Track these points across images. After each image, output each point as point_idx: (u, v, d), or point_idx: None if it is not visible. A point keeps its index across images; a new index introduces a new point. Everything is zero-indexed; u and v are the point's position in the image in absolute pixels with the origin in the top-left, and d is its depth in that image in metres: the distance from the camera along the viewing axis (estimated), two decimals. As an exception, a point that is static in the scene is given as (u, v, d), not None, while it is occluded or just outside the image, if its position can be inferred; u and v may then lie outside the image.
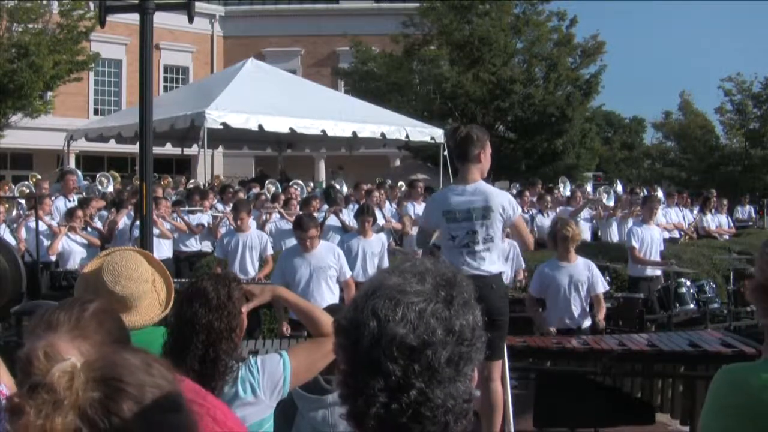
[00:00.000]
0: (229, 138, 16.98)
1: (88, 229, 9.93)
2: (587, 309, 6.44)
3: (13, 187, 13.61)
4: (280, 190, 13.86)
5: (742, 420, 1.70)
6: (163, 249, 9.25)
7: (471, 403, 1.24)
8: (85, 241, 9.62)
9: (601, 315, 6.44)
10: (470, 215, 4.91)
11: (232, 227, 9.02)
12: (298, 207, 10.59)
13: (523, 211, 9.43)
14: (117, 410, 1.04)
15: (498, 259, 5.06)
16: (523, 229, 5.38)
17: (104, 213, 11.00)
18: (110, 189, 13.72)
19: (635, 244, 8.67)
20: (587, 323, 6.42)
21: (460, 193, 4.98)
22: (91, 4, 19.40)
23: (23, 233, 9.67)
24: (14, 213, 10.52)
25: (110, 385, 1.06)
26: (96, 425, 1.03)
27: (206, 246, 10.50)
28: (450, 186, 5.42)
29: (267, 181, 15.11)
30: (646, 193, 14.59)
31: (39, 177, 14.38)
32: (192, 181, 16.53)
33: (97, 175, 15.04)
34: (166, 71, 29.54)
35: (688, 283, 8.39)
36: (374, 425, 1.19)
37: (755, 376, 1.73)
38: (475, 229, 4.91)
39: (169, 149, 17.80)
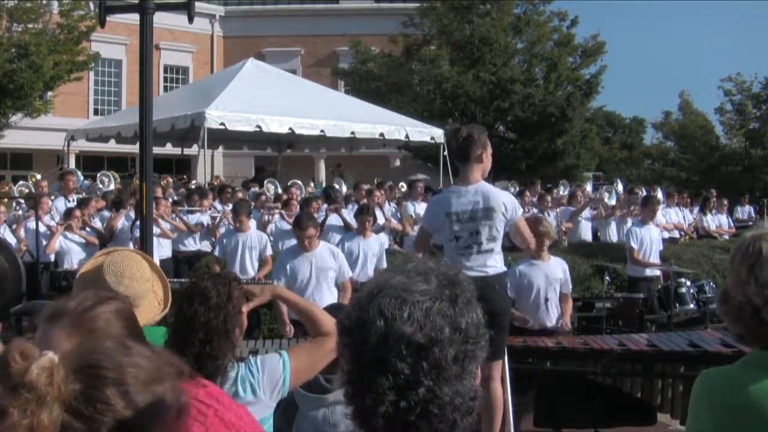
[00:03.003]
0: (229, 138, 16.97)
1: (87, 229, 9.92)
2: (559, 309, 6.46)
3: (13, 187, 13.60)
4: (279, 189, 13.87)
5: (721, 424, 1.70)
6: (162, 249, 9.26)
7: (476, 400, 1.25)
8: (83, 241, 9.62)
9: (568, 316, 6.48)
10: (473, 216, 4.91)
11: (231, 227, 9.03)
12: (298, 207, 10.58)
13: (524, 211, 9.40)
14: (101, 397, 1.05)
15: (500, 259, 5.06)
16: (525, 230, 5.38)
17: (106, 213, 10.97)
18: (112, 187, 13.73)
19: (634, 245, 8.65)
20: (558, 324, 6.45)
21: (462, 194, 4.98)
22: (91, 5, 19.39)
23: (23, 233, 9.67)
24: (13, 212, 10.53)
25: (89, 373, 1.06)
26: (83, 415, 1.03)
27: (205, 246, 10.49)
28: (451, 187, 5.41)
29: (266, 180, 15.10)
30: (645, 193, 14.59)
31: (38, 177, 14.37)
32: (194, 182, 16.51)
33: (98, 175, 15.04)
34: (166, 71, 29.53)
35: (688, 283, 8.39)
36: (382, 424, 1.19)
37: (732, 380, 1.74)
38: (478, 229, 4.90)
39: (169, 149, 17.80)
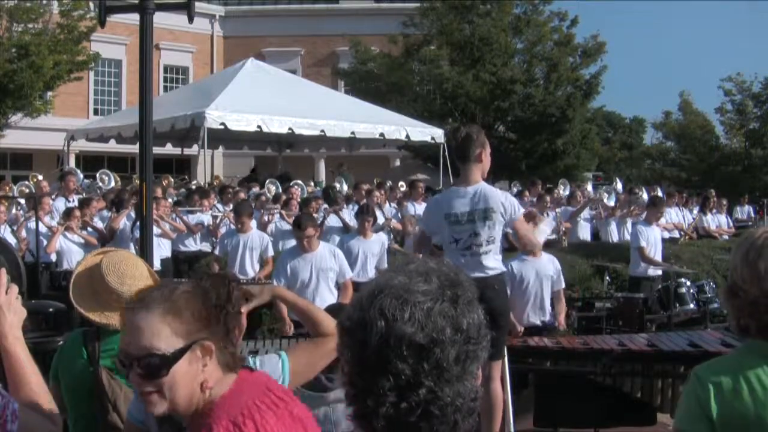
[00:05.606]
0: (229, 138, 16.98)
1: (88, 229, 9.91)
2: (551, 306, 6.46)
3: (14, 187, 13.60)
4: (280, 189, 13.86)
5: (711, 421, 1.71)
6: (162, 249, 9.25)
7: (477, 401, 1.24)
8: (83, 241, 9.61)
9: (562, 315, 6.48)
10: (473, 217, 4.90)
11: (233, 227, 9.02)
12: (297, 207, 10.57)
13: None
14: None
15: (499, 260, 5.05)
16: (525, 229, 5.35)
17: (105, 213, 10.96)
18: (112, 184, 13.75)
19: (644, 243, 8.59)
20: (550, 320, 6.44)
21: (462, 195, 4.97)
22: (91, 5, 19.38)
23: (24, 233, 9.67)
24: (13, 212, 10.52)
25: None
26: None
27: (206, 246, 10.48)
28: (451, 188, 5.40)
29: (267, 181, 15.09)
30: (645, 192, 14.58)
31: (40, 178, 14.36)
32: (194, 182, 16.49)
33: (98, 174, 15.03)
34: (166, 71, 29.53)
35: (688, 283, 8.37)
36: (384, 425, 1.19)
37: (722, 377, 1.77)
38: (477, 231, 4.89)
39: (169, 149, 17.80)
